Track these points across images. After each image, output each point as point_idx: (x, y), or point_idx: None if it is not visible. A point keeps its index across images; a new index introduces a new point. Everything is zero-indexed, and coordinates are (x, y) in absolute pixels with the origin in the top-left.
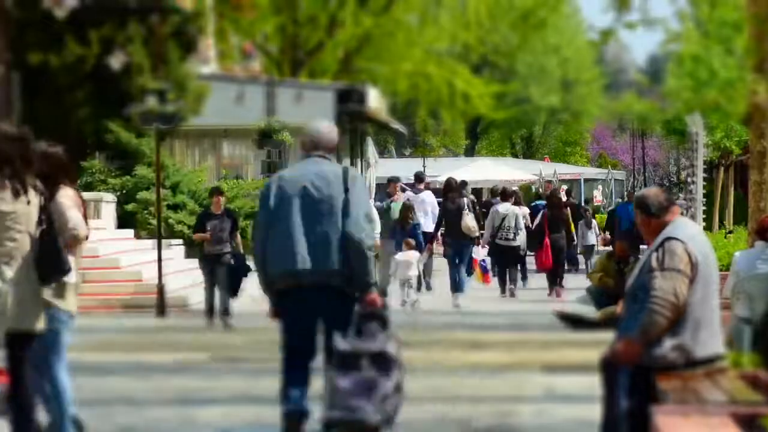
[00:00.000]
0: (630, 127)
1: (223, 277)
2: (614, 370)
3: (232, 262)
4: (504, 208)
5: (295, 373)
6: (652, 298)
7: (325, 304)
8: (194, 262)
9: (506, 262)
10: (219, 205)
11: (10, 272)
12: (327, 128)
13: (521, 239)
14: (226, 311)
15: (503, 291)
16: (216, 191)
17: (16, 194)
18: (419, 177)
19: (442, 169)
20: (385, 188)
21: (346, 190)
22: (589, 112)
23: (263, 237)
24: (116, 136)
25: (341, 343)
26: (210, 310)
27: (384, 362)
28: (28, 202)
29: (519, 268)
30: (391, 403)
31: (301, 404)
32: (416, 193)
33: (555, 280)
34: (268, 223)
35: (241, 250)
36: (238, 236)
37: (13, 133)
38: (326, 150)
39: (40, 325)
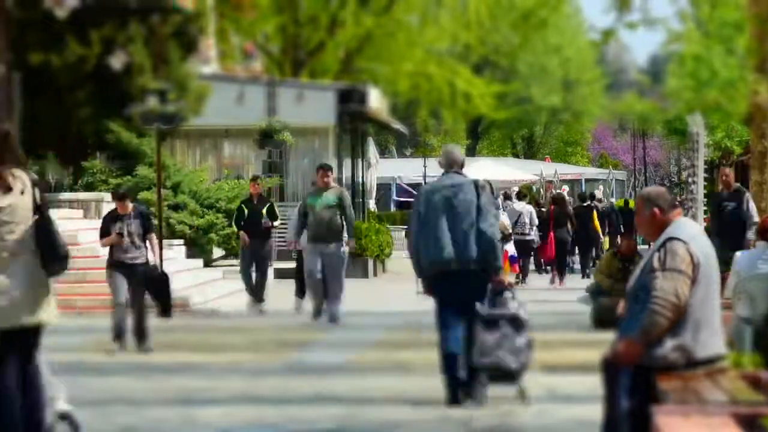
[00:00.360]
0: (631, 127)
1: (139, 294)
2: (615, 371)
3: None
4: (519, 206)
5: (449, 338)
6: (654, 299)
7: (466, 284)
8: (196, 262)
9: (521, 254)
10: (125, 206)
11: (14, 265)
12: (457, 150)
13: (534, 233)
14: (142, 334)
15: (523, 279)
16: (120, 196)
17: (7, 188)
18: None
19: None
20: (386, 188)
21: (478, 196)
22: (590, 112)
23: (417, 236)
24: (117, 136)
25: (483, 309)
26: (119, 332)
27: (517, 323)
28: (22, 192)
29: (532, 258)
30: (525, 354)
31: (457, 353)
32: None
33: (560, 271)
34: (420, 225)
35: (156, 259)
36: (154, 239)
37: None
38: (459, 167)
39: (51, 316)
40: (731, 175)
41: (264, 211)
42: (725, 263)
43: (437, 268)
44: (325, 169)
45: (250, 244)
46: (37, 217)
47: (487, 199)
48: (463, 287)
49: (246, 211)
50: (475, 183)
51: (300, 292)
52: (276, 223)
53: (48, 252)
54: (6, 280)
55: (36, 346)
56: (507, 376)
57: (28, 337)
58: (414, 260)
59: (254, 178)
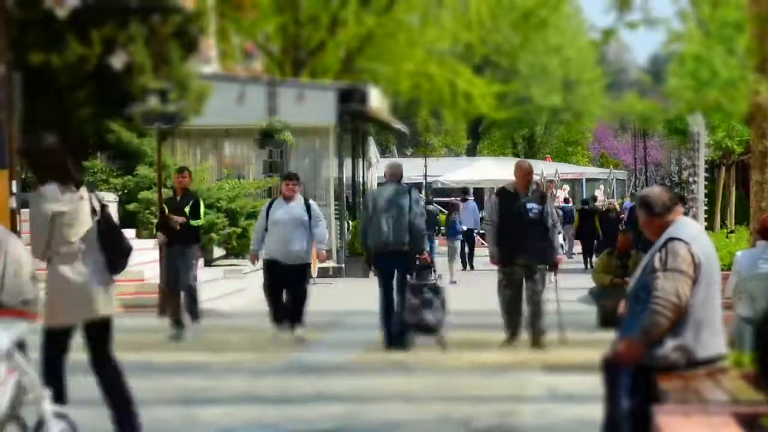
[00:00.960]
0: (631, 127)
1: None
2: (616, 370)
3: None
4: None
5: (386, 299)
6: (654, 299)
7: (399, 261)
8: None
9: None
10: None
11: (81, 266)
12: (398, 165)
13: None
14: None
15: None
16: None
17: (69, 194)
18: (465, 191)
19: (444, 168)
20: None
21: (410, 199)
22: (590, 111)
23: (366, 225)
24: (118, 136)
25: (411, 280)
26: None
27: (436, 289)
28: (81, 198)
29: None
30: (441, 313)
31: (392, 311)
32: (464, 202)
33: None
34: (369, 218)
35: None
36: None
37: (53, 145)
38: (398, 177)
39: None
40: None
41: (187, 209)
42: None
43: (379, 248)
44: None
45: (169, 251)
46: (98, 219)
47: (418, 200)
48: (397, 263)
49: (166, 209)
50: (409, 189)
51: (276, 316)
52: (200, 222)
53: (111, 250)
54: (78, 278)
55: (110, 338)
56: (429, 329)
57: (104, 329)
58: (362, 243)
59: (181, 170)
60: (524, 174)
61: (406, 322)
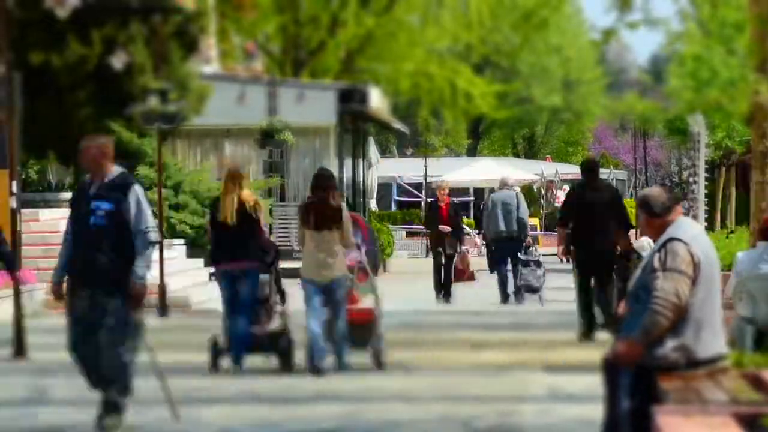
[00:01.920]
0: (632, 127)
1: None
2: (616, 371)
3: None
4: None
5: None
6: (654, 299)
7: (513, 246)
8: (197, 262)
9: None
10: None
11: None
12: (507, 177)
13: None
14: None
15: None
16: None
17: None
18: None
19: (444, 168)
20: (387, 188)
21: (518, 201)
22: (590, 111)
23: (487, 220)
24: (118, 136)
25: (521, 256)
26: None
27: (538, 263)
28: None
29: None
30: (542, 278)
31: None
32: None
33: None
34: (488, 215)
35: None
36: None
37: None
38: (508, 186)
39: None
40: None
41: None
42: None
43: (497, 237)
44: None
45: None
46: None
47: (522, 200)
48: (510, 249)
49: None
50: (517, 194)
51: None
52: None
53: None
54: None
55: None
56: (533, 289)
57: None
58: (484, 232)
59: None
60: (92, 151)
61: (518, 285)
